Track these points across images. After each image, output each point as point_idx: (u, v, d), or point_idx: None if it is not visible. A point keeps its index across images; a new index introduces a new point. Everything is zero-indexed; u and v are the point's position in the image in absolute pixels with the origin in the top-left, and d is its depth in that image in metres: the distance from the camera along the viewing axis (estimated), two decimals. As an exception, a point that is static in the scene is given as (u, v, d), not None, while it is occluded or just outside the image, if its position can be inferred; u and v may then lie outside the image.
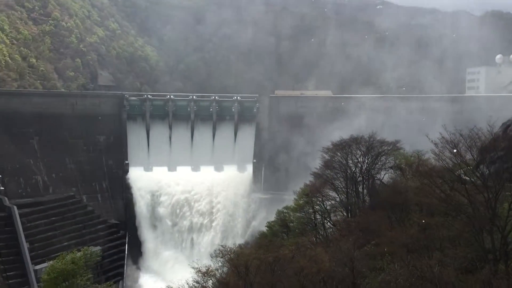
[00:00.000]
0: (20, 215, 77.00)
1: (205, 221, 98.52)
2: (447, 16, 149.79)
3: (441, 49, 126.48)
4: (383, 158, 50.88)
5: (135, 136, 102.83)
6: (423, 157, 46.94)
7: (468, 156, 30.11)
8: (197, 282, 33.79)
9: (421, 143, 43.50)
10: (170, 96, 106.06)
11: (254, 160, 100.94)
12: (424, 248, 28.69)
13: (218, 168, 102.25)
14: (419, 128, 78.09)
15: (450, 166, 30.20)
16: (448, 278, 24.13)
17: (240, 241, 79.26)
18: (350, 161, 50.59)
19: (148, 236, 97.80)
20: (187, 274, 36.34)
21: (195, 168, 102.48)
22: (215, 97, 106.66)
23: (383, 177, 50.52)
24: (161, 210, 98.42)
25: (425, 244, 28.91)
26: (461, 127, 31.48)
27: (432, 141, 31.72)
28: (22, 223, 76.52)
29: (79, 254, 41.56)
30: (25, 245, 74.56)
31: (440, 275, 23.96)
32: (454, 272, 24.90)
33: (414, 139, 53.68)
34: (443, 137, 30.64)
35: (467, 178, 29.85)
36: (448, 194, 29.81)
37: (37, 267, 74.08)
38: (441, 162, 31.11)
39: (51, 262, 41.60)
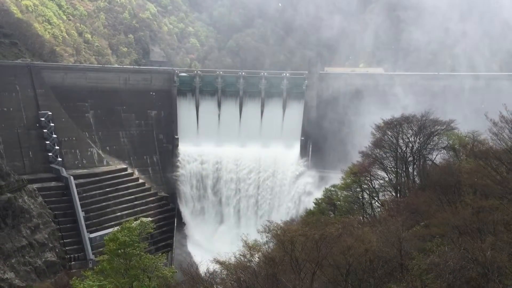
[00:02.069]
0: (76, 186, 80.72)
1: (251, 197, 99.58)
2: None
3: (497, 23, 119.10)
4: (435, 138, 49.40)
5: (185, 111, 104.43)
6: (479, 137, 45.14)
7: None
8: (243, 255, 34.32)
9: (478, 123, 41.77)
10: (219, 72, 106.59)
11: (302, 138, 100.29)
12: (477, 231, 27.78)
13: (266, 145, 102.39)
14: (475, 107, 74.97)
15: (509, 147, 28.89)
16: (501, 263, 23.33)
17: (286, 217, 79.67)
18: (401, 141, 49.44)
19: (195, 210, 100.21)
20: (233, 248, 36.99)
21: (243, 144, 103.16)
22: (264, 74, 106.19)
23: (435, 158, 49.11)
24: (208, 185, 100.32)
25: (477, 227, 27.97)
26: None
27: (491, 120, 30.34)
28: (78, 193, 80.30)
29: (135, 223, 43.22)
30: (81, 214, 78.32)
31: (493, 260, 23.19)
32: (507, 257, 24.04)
33: (470, 119, 51.60)
34: (502, 116, 29.25)
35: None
36: (505, 176, 28.62)
37: (92, 235, 77.80)
38: (499, 142, 29.76)
39: (114, 231, 43.35)
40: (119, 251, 39.99)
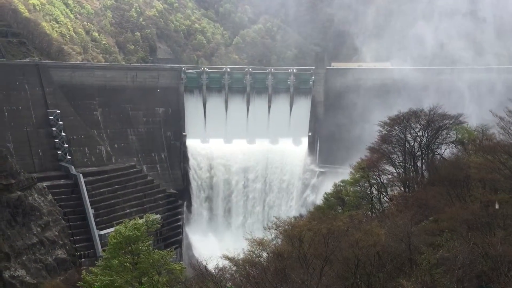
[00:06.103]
0: (86, 183, 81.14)
1: (259, 193, 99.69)
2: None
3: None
4: (444, 132, 49.08)
5: (192, 108, 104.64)
6: (488, 131, 44.82)
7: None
8: (252, 252, 34.45)
9: (488, 117, 41.46)
10: (226, 69, 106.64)
11: (310, 133, 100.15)
12: (486, 226, 27.65)
13: (273, 141, 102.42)
14: (485, 101, 74.47)
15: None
16: (512, 257, 23.21)
17: (294, 213, 79.66)
18: (409, 135, 49.20)
19: (203, 206, 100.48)
20: (242, 244, 37.10)
21: (251, 141, 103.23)
22: (270, 70, 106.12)
23: (443, 152, 48.84)
24: (216, 182, 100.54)
25: (487, 222, 27.83)
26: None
27: (496, 115, 30.14)
28: (88, 191, 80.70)
29: (141, 221, 43.51)
30: (91, 211, 78.77)
31: (504, 254, 23.07)
32: (518, 251, 23.89)
33: (480, 113, 51.17)
34: (510, 111, 29.03)
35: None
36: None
37: (102, 232, 78.25)
38: (507, 136, 29.57)
39: (116, 227, 43.76)
40: (128, 247, 40.18)
